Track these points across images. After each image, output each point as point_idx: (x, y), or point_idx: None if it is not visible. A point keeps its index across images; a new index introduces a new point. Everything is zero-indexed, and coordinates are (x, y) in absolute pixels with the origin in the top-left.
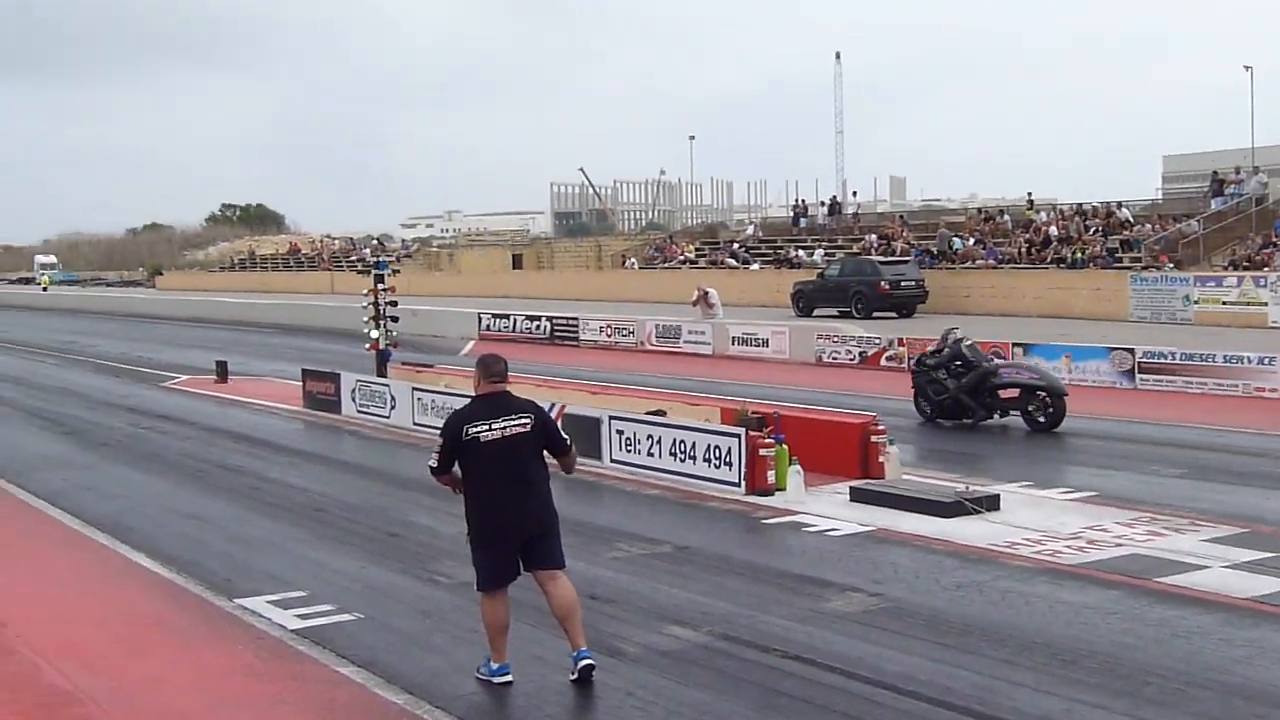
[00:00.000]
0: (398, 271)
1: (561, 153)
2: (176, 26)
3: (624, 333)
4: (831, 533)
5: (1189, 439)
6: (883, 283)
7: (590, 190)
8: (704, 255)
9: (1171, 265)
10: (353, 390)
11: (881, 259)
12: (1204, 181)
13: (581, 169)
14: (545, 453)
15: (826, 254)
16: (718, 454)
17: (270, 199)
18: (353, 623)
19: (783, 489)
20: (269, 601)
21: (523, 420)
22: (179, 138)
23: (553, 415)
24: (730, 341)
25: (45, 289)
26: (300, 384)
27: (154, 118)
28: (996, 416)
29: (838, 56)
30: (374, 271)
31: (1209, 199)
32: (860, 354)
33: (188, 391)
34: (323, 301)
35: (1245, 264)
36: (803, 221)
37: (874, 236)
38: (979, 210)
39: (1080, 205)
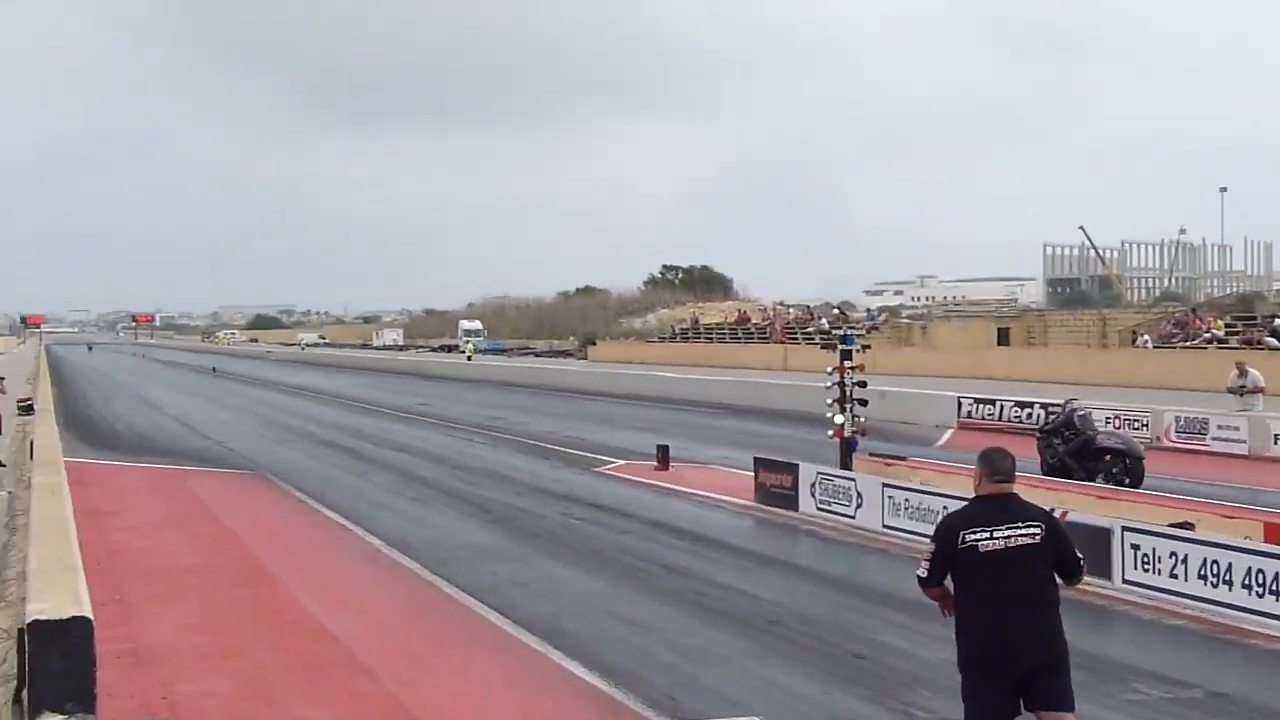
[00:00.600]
0: (867, 347)
1: (1056, 209)
2: (610, 68)
3: (1136, 425)
4: None
5: None
6: None
7: (1091, 253)
8: (1236, 333)
9: None
10: (812, 484)
11: None
12: None
13: (1081, 228)
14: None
15: None
16: (1260, 580)
17: (716, 259)
18: None
19: None
20: None
21: (1031, 529)
22: (615, 191)
23: None
24: (1272, 440)
25: (470, 358)
26: (751, 474)
27: (588, 169)
28: (1100, 480)
29: None
30: (840, 346)
31: None
32: None
33: (624, 478)
34: (775, 379)
35: None
36: None
37: None
38: None
39: None
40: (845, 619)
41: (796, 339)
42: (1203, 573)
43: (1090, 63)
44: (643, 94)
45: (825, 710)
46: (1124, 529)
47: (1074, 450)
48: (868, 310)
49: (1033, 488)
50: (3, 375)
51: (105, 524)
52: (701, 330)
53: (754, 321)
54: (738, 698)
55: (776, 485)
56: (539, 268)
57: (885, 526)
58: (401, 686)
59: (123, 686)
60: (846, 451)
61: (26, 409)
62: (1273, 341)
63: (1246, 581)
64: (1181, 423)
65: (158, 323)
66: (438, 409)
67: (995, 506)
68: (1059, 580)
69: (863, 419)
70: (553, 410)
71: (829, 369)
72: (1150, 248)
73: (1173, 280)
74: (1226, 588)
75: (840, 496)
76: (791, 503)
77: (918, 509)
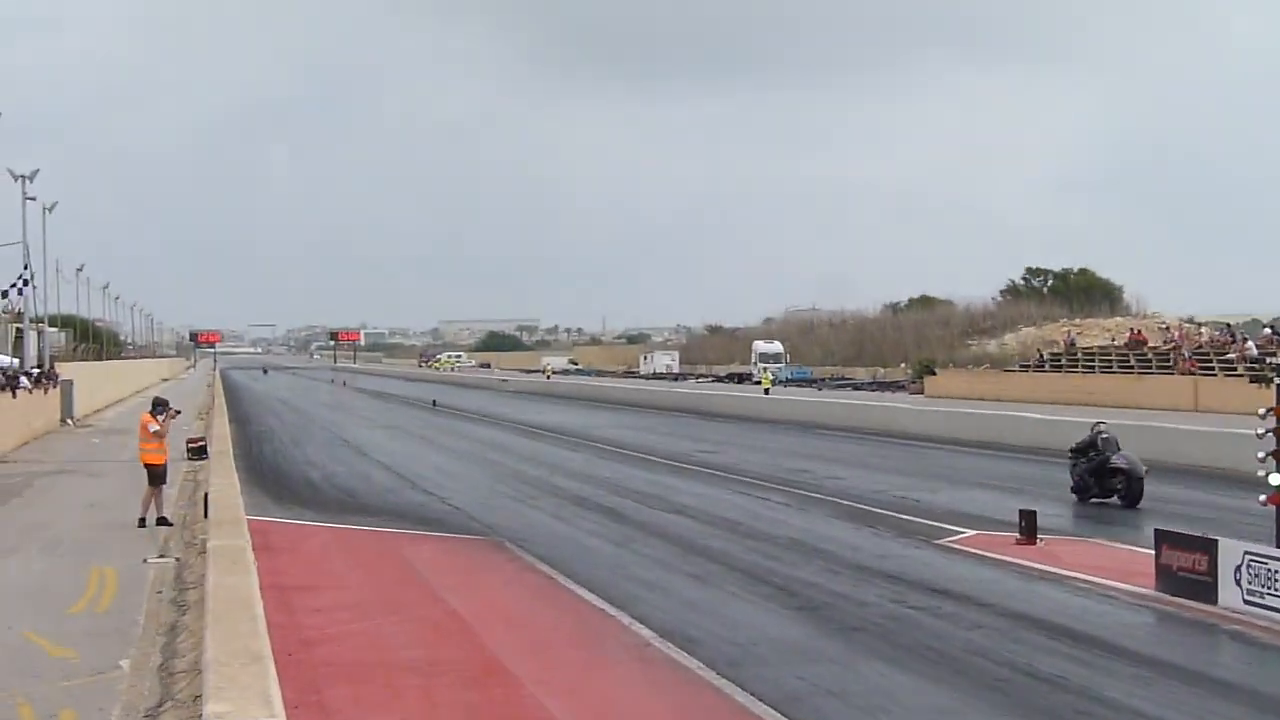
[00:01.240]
0: None
1: None
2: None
3: None
4: None
5: None
6: None
7: None
8: None
9: None
10: (1238, 567)
11: None
12: None
13: None
14: None
15: None
16: None
17: (1099, 262)
18: None
19: None
20: None
21: None
22: (962, 171)
23: None
24: None
25: (767, 391)
26: (1150, 552)
27: (925, 143)
28: (1116, 499)
29: None
30: (1276, 380)
31: None
32: None
33: (976, 554)
34: (1183, 423)
35: None
36: None
37: None
38: None
39: None
40: None
41: (1212, 369)
42: None
43: None
44: (1000, 41)
45: None
46: None
47: (1093, 469)
48: None
49: None
50: (178, 410)
51: (297, 602)
52: (1079, 355)
53: (1152, 345)
54: None
55: (1187, 568)
56: (859, 272)
57: None
58: None
59: None
60: None
61: (198, 452)
62: None
63: None
64: None
65: (362, 341)
66: (726, 458)
67: None
68: None
69: None
70: (879, 461)
71: (1260, 411)
72: None
73: None
74: None
75: (1278, 586)
76: (1208, 593)
77: None
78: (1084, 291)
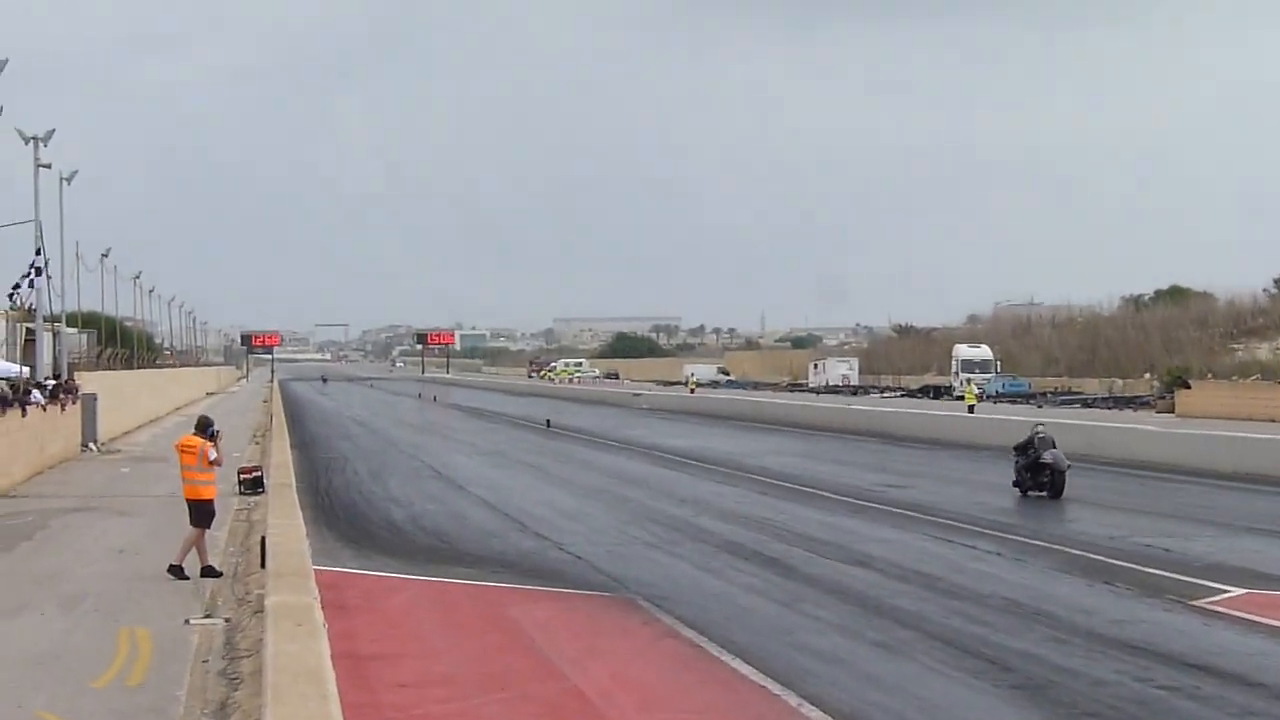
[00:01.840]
0: None
1: None
2: None
3: None
4: None
5: None
6: None
7: None
8: None
9: None
10: None
11: None
12: None
13: None
14: None
15: None
16: None
17: None
18: None
19: None
20: None
21: None
22: (1227, 122)
23: None
24: None
25: (971, 408)
26: None
27: (1182, 84)
28: (1045, 494)
29: None
30: None
31: None
32: None
33: (1245, 619)
34: None
35: None
36: None
37: None
38: None
39: None
40: None
41: None
42: None
43: None
44: None
45: None
46: None
47: (1028, 465)
48: None
49: None
50: (216, 429)
51: (377, 675)
52: None
53: None
54: None
55: None
56: (1087, 256)
57: None
58: None
59: None
60: None
61: (253, 484)
62: None
63: None
64: None
65: (457, 345)
66: (919, 493)
67: None
68: None
69: None
70: (1115, 499)
71: None
72: None
73: None
74: None
75: None
76: None
77: None
78: None
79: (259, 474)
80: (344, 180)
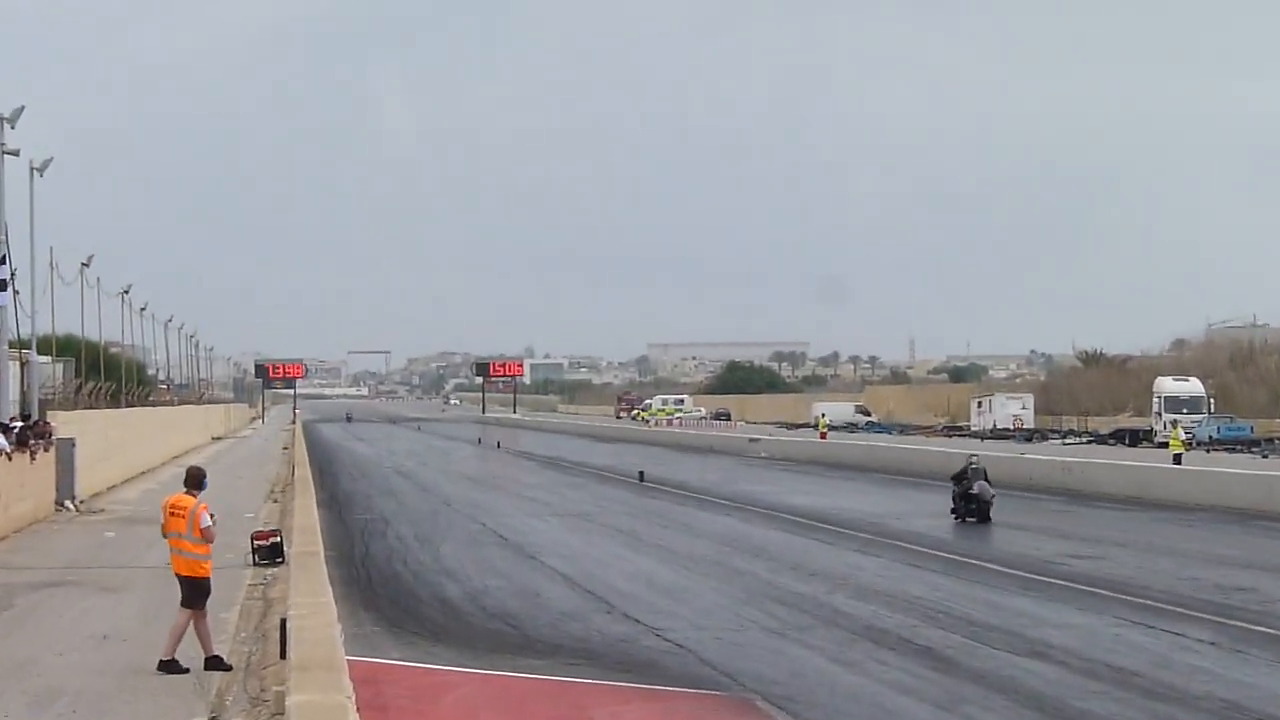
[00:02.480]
0: None
1: None
2: None
3: None
4: None
5: None
6: None
7: None
8: None
9: None
10: None
11: None
12: None
13: None
14: None
15: None
16: None
17: None
18: None
19: None
20: None
21: None
22: None
23: None
24: None
25: (1178, 458)
26: None
27: None
28: (974, 520)
29: None
30: None
31: None
32: None
33: None
34: None
35: None
36: None
37: None
38: None
39: None
40: None
41: None
42: None
43: None
44: None
45: None
46: None
47: (961, 494)
48: None
49: None
50: (201, 479)
51: None
52: None
53: None
54: None
55: None
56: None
57: None
58: None
59: None
60: None
61: (270, 552)
62: None
63: None
64: None
65: (527, 377)
66: (1111, 566)
67: None
68: None
69: None
70: None
71: None
72: None
73: None
74: None
75: None
76: None
77: None
78: None
79: (277, 539)
80: (382, 176)
